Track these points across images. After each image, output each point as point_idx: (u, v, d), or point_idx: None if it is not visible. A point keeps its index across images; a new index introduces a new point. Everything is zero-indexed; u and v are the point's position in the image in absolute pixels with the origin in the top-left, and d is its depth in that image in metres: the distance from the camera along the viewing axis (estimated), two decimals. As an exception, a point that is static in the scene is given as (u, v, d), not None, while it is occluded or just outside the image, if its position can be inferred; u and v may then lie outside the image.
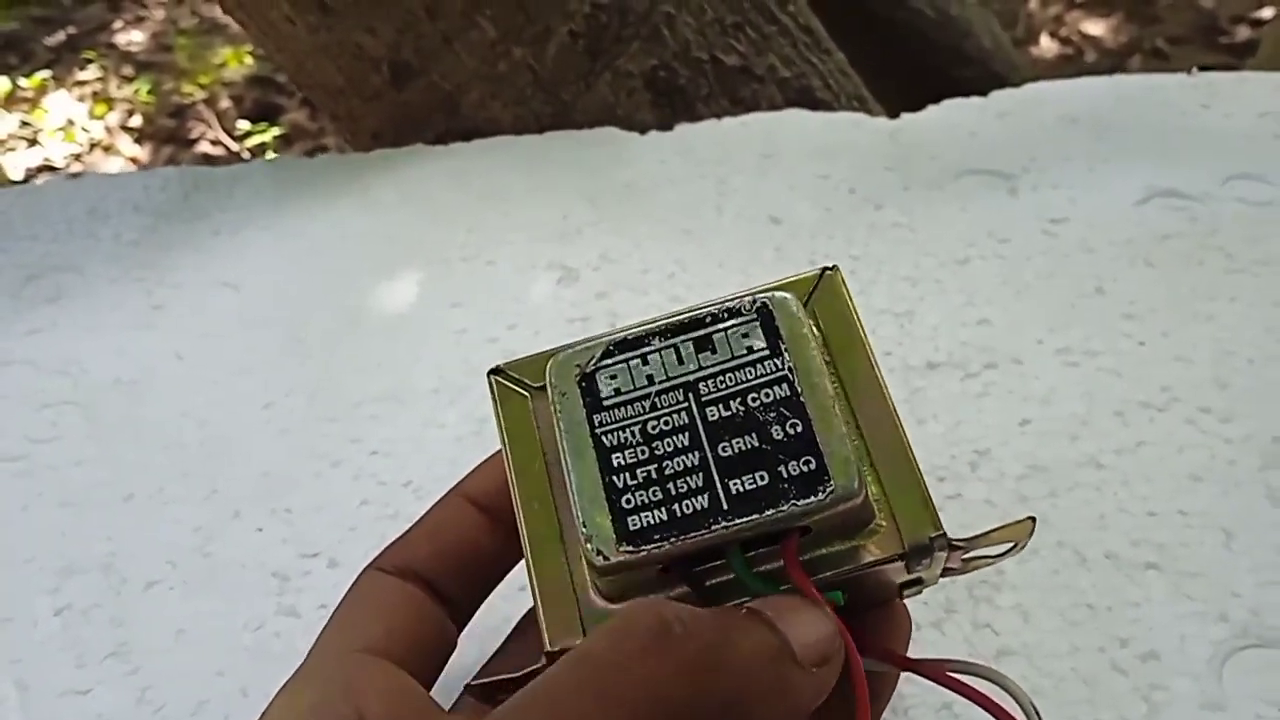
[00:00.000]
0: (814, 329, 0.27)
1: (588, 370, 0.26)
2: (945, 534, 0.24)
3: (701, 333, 0.26)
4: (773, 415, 0.25)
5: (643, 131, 0.59)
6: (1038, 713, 0.25)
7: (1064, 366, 0.43)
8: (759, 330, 0.26)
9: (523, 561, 0.26)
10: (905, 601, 0.28)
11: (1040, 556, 0.37)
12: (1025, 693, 0.26)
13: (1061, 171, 0.53)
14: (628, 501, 0.24)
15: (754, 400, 0.25)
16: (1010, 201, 0.52)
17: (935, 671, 0.26)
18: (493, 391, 0.28)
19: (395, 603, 0.28)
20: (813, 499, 0.23)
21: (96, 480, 0.44)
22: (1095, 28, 1.77)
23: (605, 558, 0.24)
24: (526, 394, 0.28)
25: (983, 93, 0.59)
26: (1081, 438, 0.41)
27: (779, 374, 0.25)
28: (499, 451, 0.28)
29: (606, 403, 0.26)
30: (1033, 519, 0.25)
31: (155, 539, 0.41)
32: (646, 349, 0.26)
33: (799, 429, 0.24)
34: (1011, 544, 0.26)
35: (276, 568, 0.40)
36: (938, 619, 0.36)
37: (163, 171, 0.61)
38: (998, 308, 0.46)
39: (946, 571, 0.26)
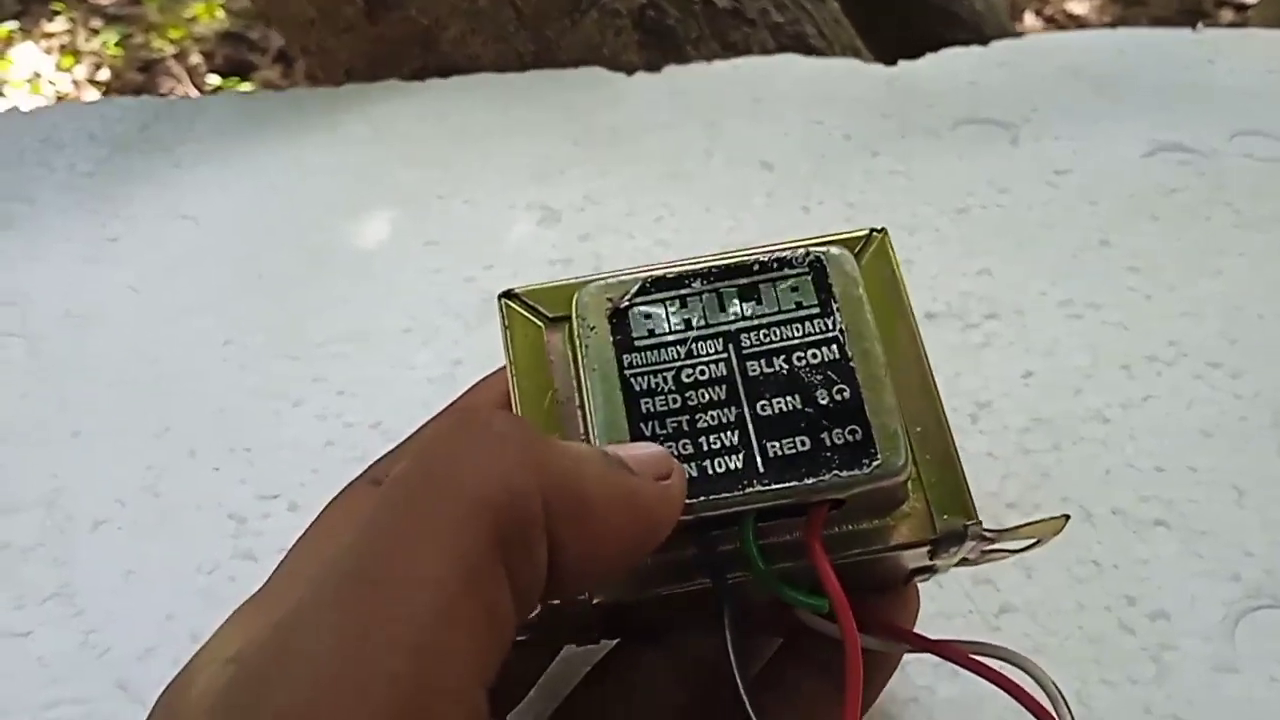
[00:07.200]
0: (867, 292, 0.24)
1: (620, 305, 0.24)
2: (980, 522, 0.23)
3: (747, 280, 0.24)
4: (819, 378, 0.23)
5: (629, 73, 0.56)
6: (1067, 703, 0.23)
7: (1067, 319, 0.42)
8: (810, 285, 0.24)
9: None
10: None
11: (1043, 511, 0.35)
12: (1053, 681, 0.23)
13: (1064, 123, 0.51)
14: None
15: (799, 360, 0.23)
16: (1011, 151, 0.50)
17: (958, 654, 0.24)
18: (503, 316, 0.26)
19: None
20: (856, 471, 0.22)
21: (41, 416, 0.41)
22: (1080, 7, 1.76)
23: None
24: (541, 324, 0.25)
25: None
26: (1086, 391, 0.39)
27: (829, 335, 0.23)
28: (496, 373, 0.26)
29: (639, 343, 0.24)
30: (1067, 516, 0.23)
31: (103, 477, 0.39)
32: (686, 290, 0.24)
33: (846, 395, 0.23)
34: (1035, 539, 0.24)
35: (233, 509, 0.37)
36: (936, 573, 0.34)
37: (121, 101, 0.58)
38: (998, 258, 0.44)
39: (963, 562, 0.25)
